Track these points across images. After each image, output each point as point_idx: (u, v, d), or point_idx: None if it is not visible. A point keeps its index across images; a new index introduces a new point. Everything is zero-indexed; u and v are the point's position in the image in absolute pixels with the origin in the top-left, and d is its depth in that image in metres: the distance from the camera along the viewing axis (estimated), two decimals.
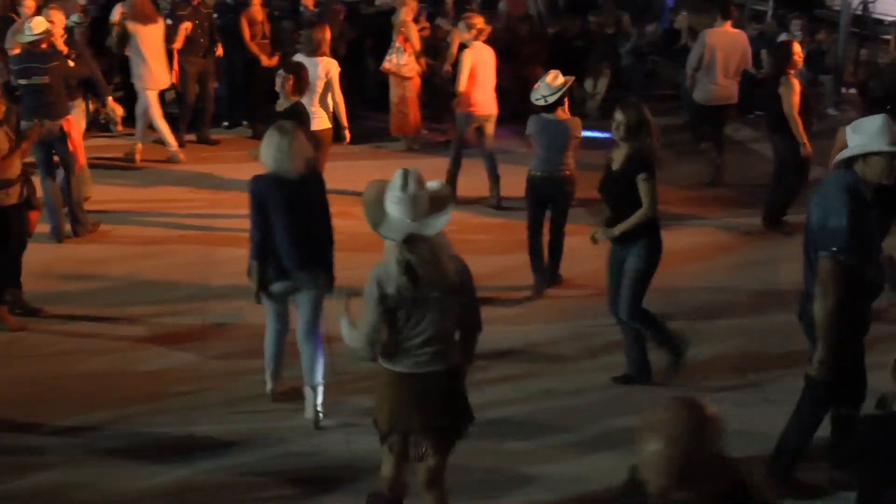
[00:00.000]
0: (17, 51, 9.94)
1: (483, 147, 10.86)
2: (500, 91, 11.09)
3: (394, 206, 4.73)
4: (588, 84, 14.77)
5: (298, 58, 9.70)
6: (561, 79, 8.30)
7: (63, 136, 9.58)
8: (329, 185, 6.82)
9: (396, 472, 5.26)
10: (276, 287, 6.49)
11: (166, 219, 10.44)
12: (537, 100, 8.33)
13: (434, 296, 4.75)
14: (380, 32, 13.60)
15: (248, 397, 6.97)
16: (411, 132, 12.64)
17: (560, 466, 6.16)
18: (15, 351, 7.65)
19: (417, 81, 12.40)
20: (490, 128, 10.87)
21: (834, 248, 5.16)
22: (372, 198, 4.78)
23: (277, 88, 8.56)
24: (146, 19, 11.81)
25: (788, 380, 6.64)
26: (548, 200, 8.58)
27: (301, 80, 8.54)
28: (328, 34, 10.10)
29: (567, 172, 8.45)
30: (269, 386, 6.88)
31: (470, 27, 10.59)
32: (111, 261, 9.36)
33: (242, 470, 6.14)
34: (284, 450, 6.34)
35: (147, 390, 7.07)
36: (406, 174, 4.74)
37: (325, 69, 9.67)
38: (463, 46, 10.75)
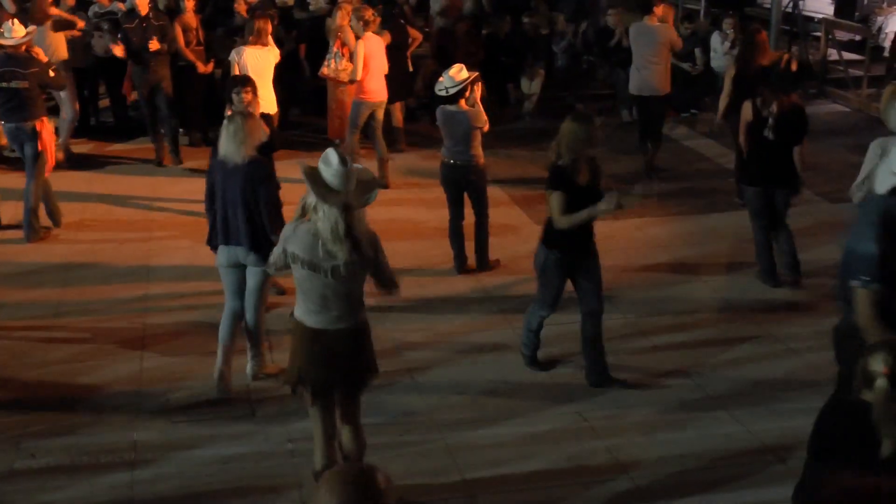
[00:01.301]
0: None
1: (373, 132, 11.63)
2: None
3: (334, 180, 5.12)
4: (524, 84, 14.85)
5: (244, 49, 10.47)
6: (465, 73, 8.80)
7: (34, 136, 9.77)
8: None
9: (322, 433, 5.64)
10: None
11: (102, 230, 10.34)
12: (440, 91, 8.84)
13: (347, 262, 5.18)
14: (314, 37, 13.57)
15: (189, 405, 6.94)
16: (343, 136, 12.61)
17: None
18: None
19: (353, 87, 12.37)
20: (381, 113, 11.64)
21: (865, 277, 4.99)
22: (313, 174, 5.18)
23: (236, 104, 7.89)
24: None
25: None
26: (459, 186, 9.09)
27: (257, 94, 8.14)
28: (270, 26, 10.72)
29: (473, 161, 8.94)
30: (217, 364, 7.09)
31: (361, 19, 11.33)
32: (47, 270, 9.25)
33: (185, 478, 6.11)
34: (228, 459, 6.31)
35: (87, 401, 7.00)
36: (340, 152, 5.20)
37: (275, 57, 10.59)
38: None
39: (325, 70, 12.27)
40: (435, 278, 9.07)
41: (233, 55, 10.71)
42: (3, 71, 9.74)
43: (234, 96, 7.96)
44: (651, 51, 11.83)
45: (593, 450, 6.39)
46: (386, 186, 11.38)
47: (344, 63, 12.05)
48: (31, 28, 10.21)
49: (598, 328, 7.14)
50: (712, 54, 14.41)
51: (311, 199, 5.23)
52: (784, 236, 8.85)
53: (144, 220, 10.58)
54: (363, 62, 11.25)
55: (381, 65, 11.49)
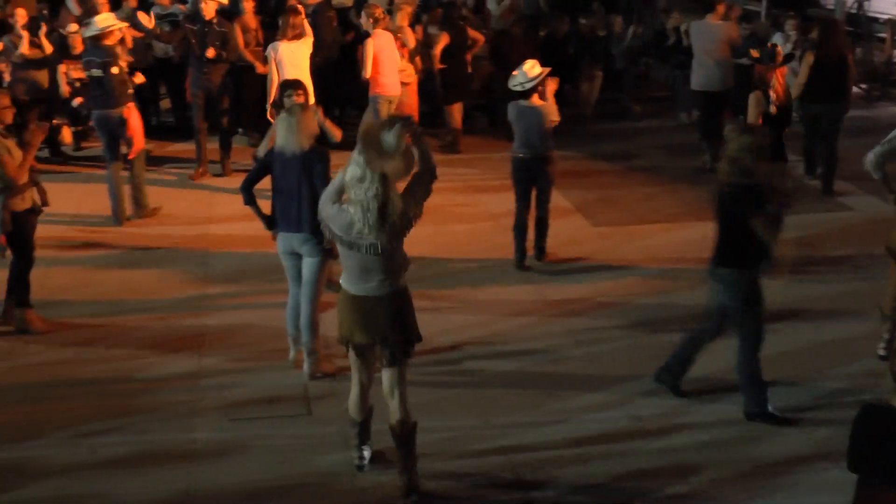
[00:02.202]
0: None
1: None
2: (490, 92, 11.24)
3: (390, 137, 5.42)
4: (582, 87, 14.80)
5: (279, 44, 10.84)
6: (538, 69, 8.95)
7: (122, 124, 10.27)
8: None
9: (358, 382, 6.00)
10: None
11: (162, 228, 10.46)
12: (515, 86, 8.97)
13: (383, 242, 5.50)
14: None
15: (247, 403, 6.99)
16: None
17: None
18: (16, 359, 7.66)
19: (414, 87, 12.43)
20: (392, 108, 11.79)
21: None
22: (369, 135, 5.48)
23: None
24: None
25: None
26: (530, 179, 9.21)
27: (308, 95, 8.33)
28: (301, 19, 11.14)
29: (545, 154, 9.08)
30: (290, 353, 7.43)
31: (371, 16, 11.56)
32: (108, 268, 9.38)
33: (242, 478, 6.14)
34: (284, 457, 6.34)
35: (146, 398, 7.08)
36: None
37: (308, 48, 10.97)
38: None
39: None
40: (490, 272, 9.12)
41: (269, 51, 11.01)
42: (86, 60, 10.36)
43: (285, 100, 8.06)
44: (713, 48, 12.02)
45: (649, 452, 6.35)
46: None
47: (403, 64, 12.10)
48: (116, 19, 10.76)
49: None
50: None
51: (349, 177, 5.48)
52: None
53: (203, 218, 10.69)
54: (372, 58, 11.47)
55: (393, 60, 11.72)
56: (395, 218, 5.48)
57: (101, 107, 10.39)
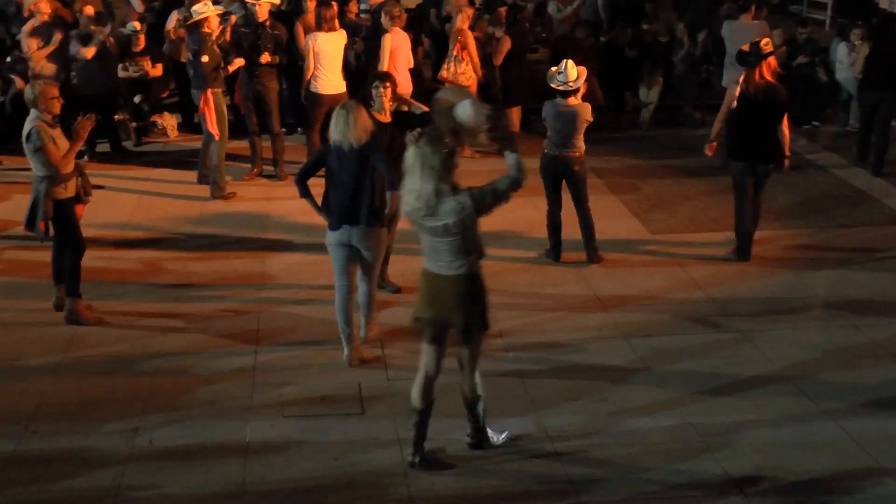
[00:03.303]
0: None
1: None
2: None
3: (465, 108, 6.00)
4: (641, 93, 14.70)
5: (317, 35, 11.41)
6: (576, 70, 9.17)
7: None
8: None
9: (424, 368, 6.17)
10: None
11: (220, 225, 10.55)
12: (559, 85, 9.14)
13: (447, 223, 5.83)
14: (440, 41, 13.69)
15: (301, 400, 7.02)
16: None
17: None
18: (74, 350, 7.76)
19: (474, 89, 12.41)
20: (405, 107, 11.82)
21: None
22: (444, 106, 6.08)
23: (375, 99, 8.20)
24: None
25: None
26: (558, 177, 9.43)
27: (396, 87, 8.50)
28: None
29: (575, 153, 9.27)
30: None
31: (389, 14, 11.74)
32: (167, 262, 9.47)
33: (295, 474, 6.17)
34: (338, 455, 6.36)
35: (202, 392, 7.14)
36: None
37: (343, 40, 11.58)
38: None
39: (444, 73, 12.34)
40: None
41: (308, 41, 11.45)
42: (188, 44, 11.37)
43: (373, 90, 8.20)
44: None
45: (703, 461, 6.29)
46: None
47: (463, 67, 12.11)
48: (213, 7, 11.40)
49: None
50: (837, 65, 14.08)
51: (406, 164, 5.82)
52: None
53: (261, 214, 10.76)
54: (388, 56, 11.60)
55: (406, 59, 11.84)
56: (451, 207, 5.77)
57: (194, 87, 11.35)
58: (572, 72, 9.11)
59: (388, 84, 8.22)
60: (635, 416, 6.79)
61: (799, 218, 10.76)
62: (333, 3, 11.73)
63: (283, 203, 10.92)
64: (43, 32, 12.37)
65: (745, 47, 9.51)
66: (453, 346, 6.17)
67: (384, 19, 11.89)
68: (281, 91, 12.53)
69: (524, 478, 6.12)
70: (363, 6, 13.85)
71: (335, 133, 7.32)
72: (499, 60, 12.60)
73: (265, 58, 11.71)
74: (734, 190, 9.57)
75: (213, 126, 11.11)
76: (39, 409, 6.90)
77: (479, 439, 6.39)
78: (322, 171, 7.57)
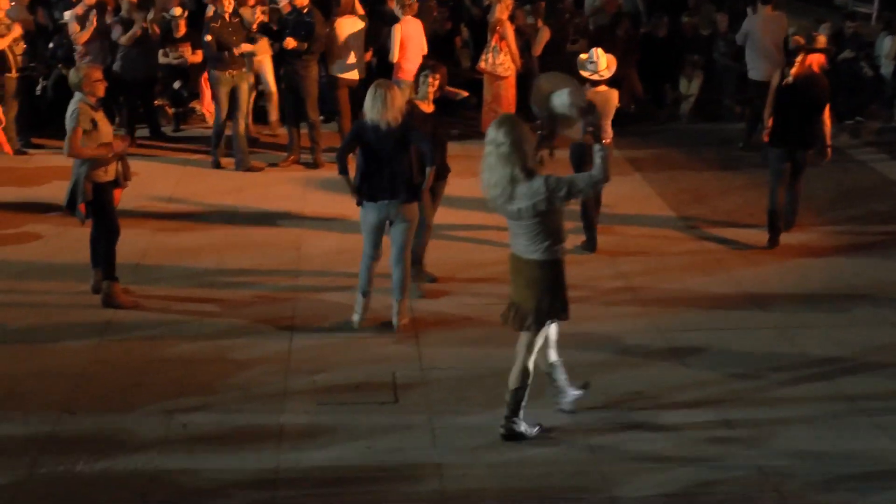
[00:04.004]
0: None
1: None
2: None
3: (567, 95, 6.13)
4: (682, 85, 14.60)
5: (337, 20, 11.74)
6: (605, 59, 9.23)
7: None
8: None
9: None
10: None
11: (256, 210, 10.59)
12: (591, 74, 9.20)
13: (522, 207, 5.97)
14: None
15: (335, 387, 7.04)
16: None
17: None
18: (111, 334, 7.81)
19: (512, 80, 12.40)
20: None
21: None
22: (544, 89, 6.20)
23: (422, 88, 8.28)
24: None
25: None
26: (585, 163, 9.22)
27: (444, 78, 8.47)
28: None
29: (605, 140, 9.00)
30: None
31: (400, 2, 11.85)
32: (203, 248, 9.52)
33: (328, 462, 6.19)
34: (370, 444, 6.37)
35: (236, 378, 7.17)
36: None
37: (362, 23, 11.88)
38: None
39: (482, 64, 12.33)
40: None
41: (327, 26, 11.74)
42: None
43: (420, 79, 8.23)
44: (769, 39, 12.75)
45: (737, 457, 6.24)
46: None
47: (501, 57, 12.08)
48: None
49: None
50: (882, 60, 13.91)
51: (488, 143, 5.96)
52: None
53: (297, 201, 10.78)
54: (400, 44, 11.71)
55: (419, 47, 11.87)
56: (524, 192, 5.88)
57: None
58: (602, 60, 9.15)
59: (437, 76, 8.23)
60: (669, 410, 6.75)
61: (839, 212, 10.68)
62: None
63: (320, 190, 10.94)
64: (86, 17, 12.46)
65: (801, 39, 9.64)
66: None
67: (395, 8, 11.94)
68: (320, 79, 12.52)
69: (556, 470, 6.11)
70: None
71: (371, 112, 7.49)
72: (538, 51, 12.58)
73: (289, 43, 11.70)
74: (770, 174, 9.72)
75: (205, 105, 11.40)
76: (76, 391, 6.97)
77: (508, 429, 6.38)
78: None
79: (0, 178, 11.34)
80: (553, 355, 6.56)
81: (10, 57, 11.89)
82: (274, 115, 13.29)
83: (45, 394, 6.92)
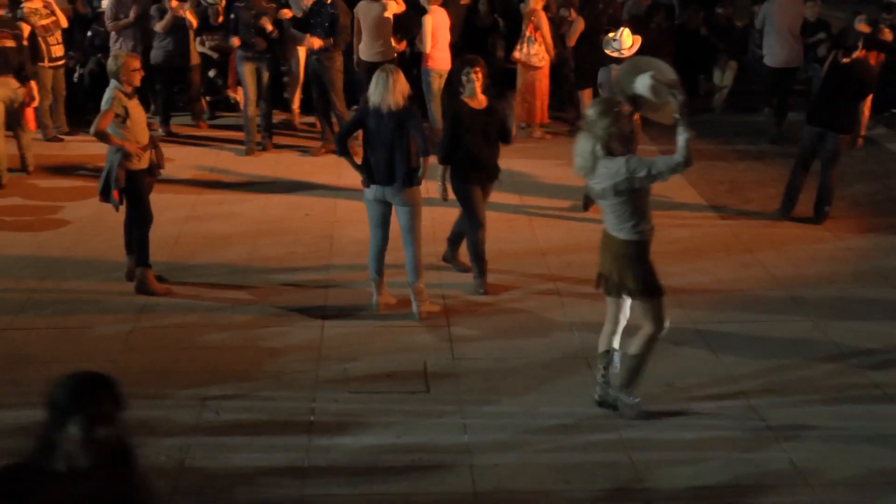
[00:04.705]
0: None
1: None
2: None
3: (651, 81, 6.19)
4: (716, 76, 14.51)
5: (359, 4, 11.95)
6: (631, 39, 9.49)
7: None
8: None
9: (607, 316, 6.57)
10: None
11: (290, 199, 10.61)
12: (613, 52, 9.50)
13: (605, 186, 6.13)
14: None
15: (366, 376, 7.05)
16: (535, 120, 12.62)
17: None
18: (144, 321, 7.86)
19: (546, 70, 12.38)
20: (442, 82, 12.17)
21: None
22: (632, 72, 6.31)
23: (466, 86, 8.19)
24: None
25: None
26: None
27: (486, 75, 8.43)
28: None
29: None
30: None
31: None
32: (235, 237, 9.56)
33: (359, 451, 6.20)
34: (400, 434, 6.38)
35: (268, 366, 7.20)
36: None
37: (382, 10, 11.94)
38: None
39: (517, 54, 12.29)
40: None
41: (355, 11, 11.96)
42: None
43: (463, 77, 8.16)
44: (787, 26, 12.85)
45: (770, 451, 6.20)
46: None
47: (536, 48, 12.05)
48: None
49: None
50: None
51: (593, 115, 6.13)
52: None
53: (329, 191, 10.80)
54: (431, 36, 11.82)
55: (445, 36, 12.09)
56: (604, 172, 6.02)
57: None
58: (627, 39, 9.29)
59: (478, 69, 8.17)
60: (701, 403, 6.72)
61: (873, 205, 10.59)
62: None
63: (351, 180, 10.94)
64: (123, 6, 12.52)
65: (866, 27, 9.86)
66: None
67: None
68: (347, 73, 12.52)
69: (586, 461, 6.09)
70: None
71: (374, 96, 7.62)
72: (572, 42, 12.51)
73: (314, 43, 11.66)
74: (799, 148, 10.01)
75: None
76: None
77: (603, 396, 6.56)
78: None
79: (36, 164, 11.42)
80: (616, 342, 6.60)
81: (44, 47, 11.97)
82: (296, 102, 13.34)
83: None
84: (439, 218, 9.52)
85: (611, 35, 9.49)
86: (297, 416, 6.55)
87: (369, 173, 7.77)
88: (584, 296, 8.25)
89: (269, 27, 11.84)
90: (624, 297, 6.41)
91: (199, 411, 6.59)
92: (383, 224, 7.94)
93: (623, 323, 6.59)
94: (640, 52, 11.42)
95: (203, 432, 6.36)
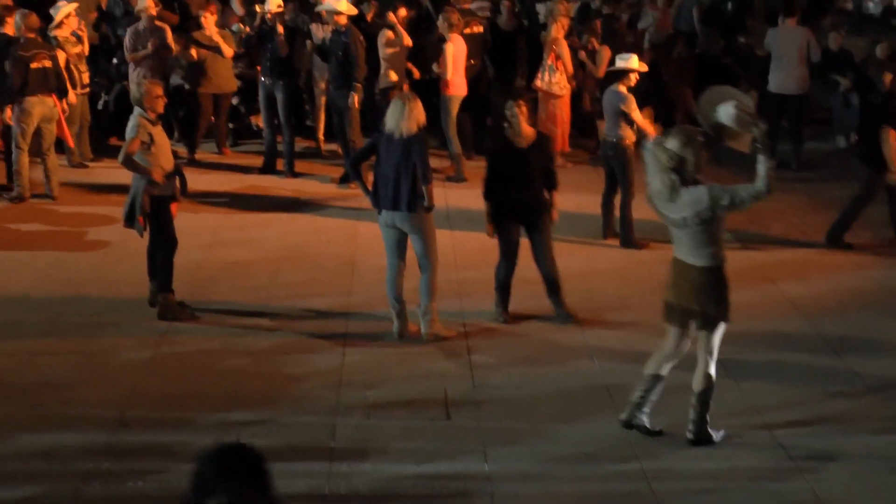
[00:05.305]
0: None
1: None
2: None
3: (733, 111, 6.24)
4: None
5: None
6: (636, 62, 9.83)
7: None
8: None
9: (668, 339, 6.50)
10: None
11: (311, 226, 10.65)
12: (612, 68, 10.06)
13: (686, 216, 6.17)
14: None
15: (387, 404, 7.05)
16: (557, 149, 12.62)
17: None
18: (166, 346, 7.90)
19: (567, 99, 12.41)
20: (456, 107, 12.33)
21: None
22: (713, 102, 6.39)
23: (511, 120, 8.15)
24: None
25: None
26: (607, 161, 10.13)
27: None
28: None
29: (619, 141, 9.85)
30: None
31: (447, 21, 12.00)
32: (257, 263, 9.60)
33: (379, 476, 6.20)
34: (421, 461, 6.35)
35: (289, 392, 7.22)
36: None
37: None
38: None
39: (537, 83, 12.33)
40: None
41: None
42: None
43: (507, 112, 8.14)
44: (791, 52, 12.87)
45: (792, 482, 6.16)
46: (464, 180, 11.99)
47: (557, 76, 12.09)
48: None
49: None
50: None
51: (647, 159, 6.19)
52: None
53: (352, 215, 10.82)
54: (452, 64, 11.95)
55: (463, 63, 12.19)
56: (688, 200, 6.06)
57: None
58: (633, 61, 9.60)
59: (522, 104, 8.15)
60: (726, 446, 6.62)
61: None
62: (400, 5, 12.29)
63: (372, 208, 10.98)
64: (142, 38, 12.66)
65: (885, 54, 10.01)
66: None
67: (442, 26, 12.05)
68: (368, 99, 12.59)
69: (607, 490, 6.08)
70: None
71: (390, 121, 7.76)
72: (602, 72, 12.41)
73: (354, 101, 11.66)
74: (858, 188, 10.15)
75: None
76: (131, 402, 7.04)
77: (697, 433, 6.47)
78: None
79: (62, 189, 11.51)
80: (667, 370, 6.57)
81: (77, 74, 12.08)
82: (320, 130, 13.42)
83: (100, 404, 7.00)
84: (459, 245, 9.57)
85: (618, 56, 9.97)
86: (317, 443, 6.55)
87: (376, 198, 7.88)
88: (605, 324, 8.28)
89: (284, 50, 11.95)
90: (691, 327, 6.40)
91: (219, 436, 6.58)
92: (397, 249, 8.00)
93: (682, 354, 6.54)
94: (661, 80, 11.54)
95: None
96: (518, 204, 8.15)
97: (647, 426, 6.56)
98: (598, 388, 7.25)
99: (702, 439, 6.46)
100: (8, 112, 11.13)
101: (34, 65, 11.01)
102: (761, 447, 6.54)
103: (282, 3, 12.15)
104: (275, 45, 12.02)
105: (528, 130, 8.17)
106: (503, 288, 8.34)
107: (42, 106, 11.11)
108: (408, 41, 12.09)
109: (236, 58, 13.32)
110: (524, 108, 8.13)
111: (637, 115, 9.73)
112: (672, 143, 6.16)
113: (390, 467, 6.29)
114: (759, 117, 6.30)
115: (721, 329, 6.36)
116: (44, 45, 11.37)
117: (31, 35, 11.27)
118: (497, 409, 6.96)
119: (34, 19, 11.42)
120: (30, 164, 11.27)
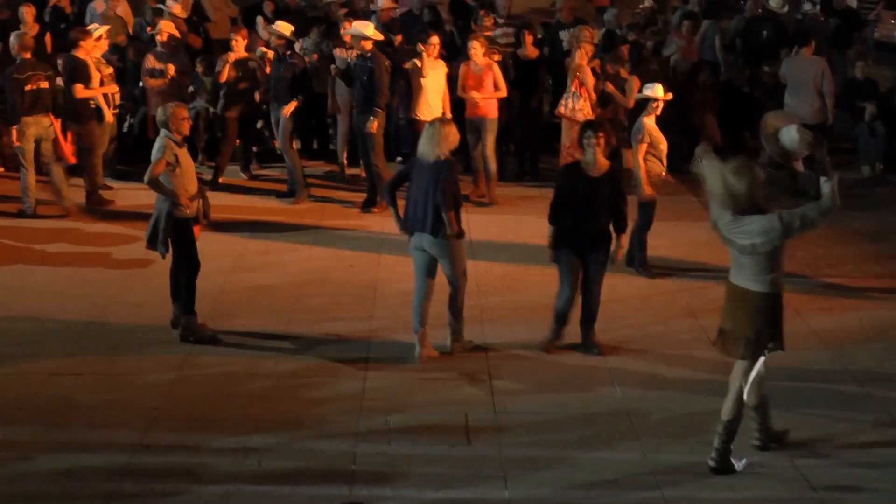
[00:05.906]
0: None
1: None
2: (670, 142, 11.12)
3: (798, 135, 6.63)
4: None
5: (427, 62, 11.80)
6: (661, 91, 9.73)
7: None
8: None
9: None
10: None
11: (334, 250, 10.67)
12: (647, 89, 9.83)
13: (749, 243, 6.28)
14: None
15: (408, 429, 7.04)
16: None
17: None
18: (188, 369, 7.92)
19: None
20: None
21: None
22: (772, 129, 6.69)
23: (587, 150, 8.08)
24: None
25: None
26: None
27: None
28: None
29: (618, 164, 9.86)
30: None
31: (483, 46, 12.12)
32: (280, 287, 9.62)
33: (400, 501, 6.18)
34: (441, 486, 6.35)
35: (310, 415, 7.22)
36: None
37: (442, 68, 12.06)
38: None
39: (561, 109, 12.33)
40: None
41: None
42: None
43: (584, 140, 8.08)
44: (806, 82, 12.83)
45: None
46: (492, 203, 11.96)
47: (581, 103, 12.08)
48: None
49: None
50: None
51: (708, 188, 6.31)
52: None
53: (374, 244, 10.83)
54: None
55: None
56: (758, 228, 6.15)
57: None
58: (658, 90, 9.58)
59: (601, 134, 8.00)
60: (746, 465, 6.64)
61: None
62: (433, 34, 12.16)
63: (395, 233, 11.00)
64: (162, 59, 12.74)
65: None
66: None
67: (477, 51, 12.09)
68: (392, 123, 12.64)
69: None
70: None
71: (423, 145, 7.94)
72: (632, 102, 12.36)
73: (372, 127, 11.59)
74: None
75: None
76: (153, 424, 7.06)
77: (719, 462, 6.50)
78: None
79: (85, 211, 11.61)
80: (763, 388, 6.63)
81: (110, 95, 12.13)
82: (343, 155, 13.44)
83: (121, 426, 7.02)
84: (482, 270, 9.56)
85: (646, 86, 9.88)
86: (338, 467, 6.55)
87: (404, 222, 8.04)
88: (627, 350, 8.25)
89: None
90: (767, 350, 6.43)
91: (241, 459, 6.61)
92: (426, 272, 8.08)
93: (765, 372, 6.59)
94: (686, 109, 11.50)
95: (245, 481, 6.38)
96: (582, 233, 8.03)
97: (777, 430, 6.77)
98: (619, 415, 7.22)
99: (724, 468, 6.42)
100: (13, 133, 11.30)
101: (29, 87, 11.17)
102: (783, 477, 6.50)
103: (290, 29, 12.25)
104: (280, 73, 12.12)
105: (602, 161, 8.05)
106: (561, 318, 8.21)
107: (37, 126, 11.28)
108: (442, 66, 12.05)
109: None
110: (602, 139, 7.97)
111: (639, 154, 9.59)
112: (734, 172, 6.23)
113: (410, 492, 6.29)
114: (820, 140, 6.39)
115: (763, 359, 6.37)
116: (39, 65, 11.52)
117: (27, 55, 11.41)
118: (518, 436, 6.95)
119: (28, 39, 11.61)
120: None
